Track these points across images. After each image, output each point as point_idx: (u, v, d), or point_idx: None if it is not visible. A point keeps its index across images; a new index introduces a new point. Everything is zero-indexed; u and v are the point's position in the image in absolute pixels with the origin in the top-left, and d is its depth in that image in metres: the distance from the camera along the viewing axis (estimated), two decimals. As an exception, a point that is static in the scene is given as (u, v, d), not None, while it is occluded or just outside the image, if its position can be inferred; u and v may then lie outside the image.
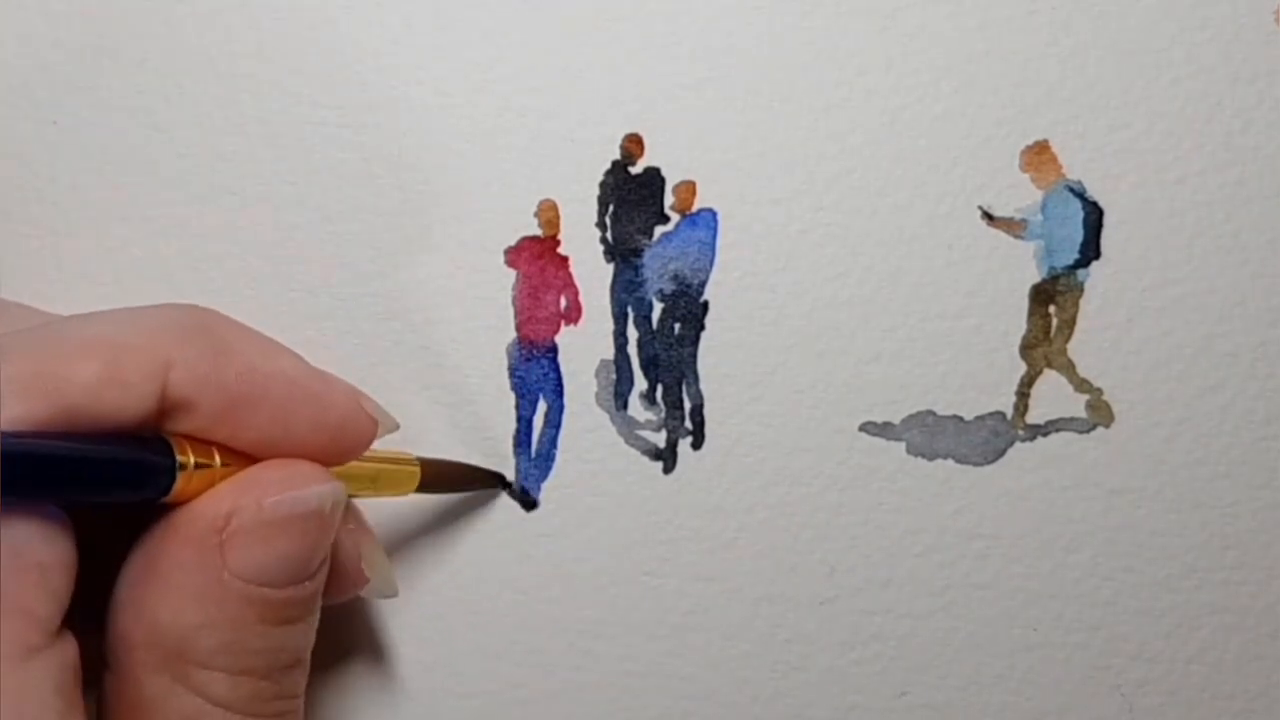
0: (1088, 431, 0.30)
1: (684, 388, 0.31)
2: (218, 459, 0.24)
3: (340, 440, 0.25)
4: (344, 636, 0.31)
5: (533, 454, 0.31)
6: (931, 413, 0.30)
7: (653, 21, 0.30)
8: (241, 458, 0.24)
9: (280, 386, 0.24)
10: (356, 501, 0.28)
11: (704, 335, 0.31)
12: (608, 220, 0.31)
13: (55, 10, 0.30)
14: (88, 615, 0.23)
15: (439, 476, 0.29)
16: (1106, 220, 0.30)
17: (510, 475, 0.31)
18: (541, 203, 0.30)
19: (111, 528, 0.24)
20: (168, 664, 0.23)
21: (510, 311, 0.31)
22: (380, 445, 0.27)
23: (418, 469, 0.28)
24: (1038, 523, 0.31)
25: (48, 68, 0.30)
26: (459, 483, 0.30)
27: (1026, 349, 0.30)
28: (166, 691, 0.23)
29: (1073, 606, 0.31)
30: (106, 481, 0.22)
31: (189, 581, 0.23)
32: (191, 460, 0.23)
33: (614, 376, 0.31)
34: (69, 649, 0.22)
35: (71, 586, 0.22)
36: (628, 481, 0.31)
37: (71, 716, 0.22)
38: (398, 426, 0.28)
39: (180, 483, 0.23)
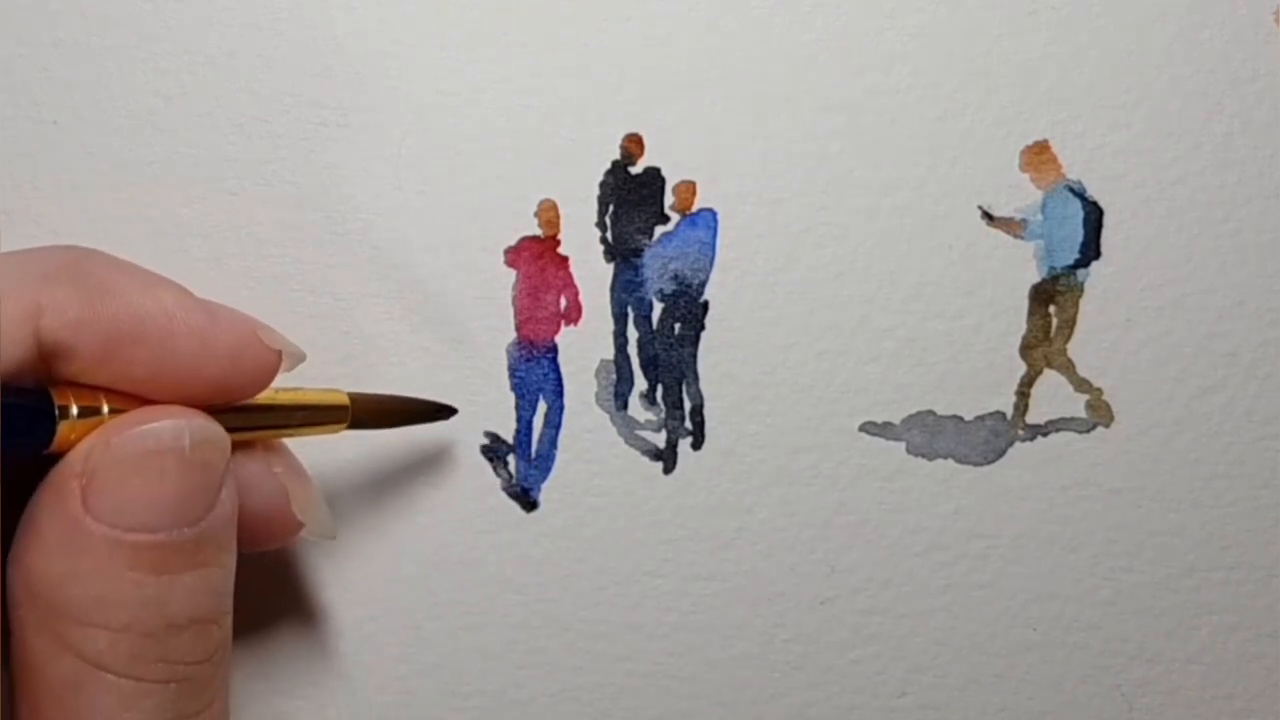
0: (1088, 431, 0.30)
1: (684, 388, 0.31)
2: (105, 406, 0.23)
3: (234, 374, 0.24)
4: (344, 636, 0.31)
5: (533, 454, 0.31)
6: (931, 413, 0.30)
7: (653, 21, 0.30)
8: (133, 401, 0.23)
9: (160, 322, 0.23)
10: (291, 446, 0.27)
11: (704, 335, 0.31)
12: (608, 220, 0.31)
13: (55, 10, 0.30)
14: None
15: (374, 411, 0.28)
16: (1106, 220, 0.30)
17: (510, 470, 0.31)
18: (541, 203, 0.30)
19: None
20: (46, 622, 0.22)
21: (510, 311, 0.31)
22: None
23: (347, 403, 0.27)
24: (1038, 523, 0.31)
25: (48, 68, 0.30)
26: (399, 417, 0.29)
27: (1026, 349, 0.30)
28: (48, 653, 0.22)
29: (1073, 606, 0.31)
30: None
31: (53, 528, 0.22)
32: (74, 408, 0.22)
33: (614, 376, 0.31)
34: None
35: None
36: (628, 481, 0.31)
37: None
38: (304, 357, 0.26)
39: (63, 432, 0.22)
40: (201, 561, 0.24)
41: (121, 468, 0.22)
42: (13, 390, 0.22)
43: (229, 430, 0.24)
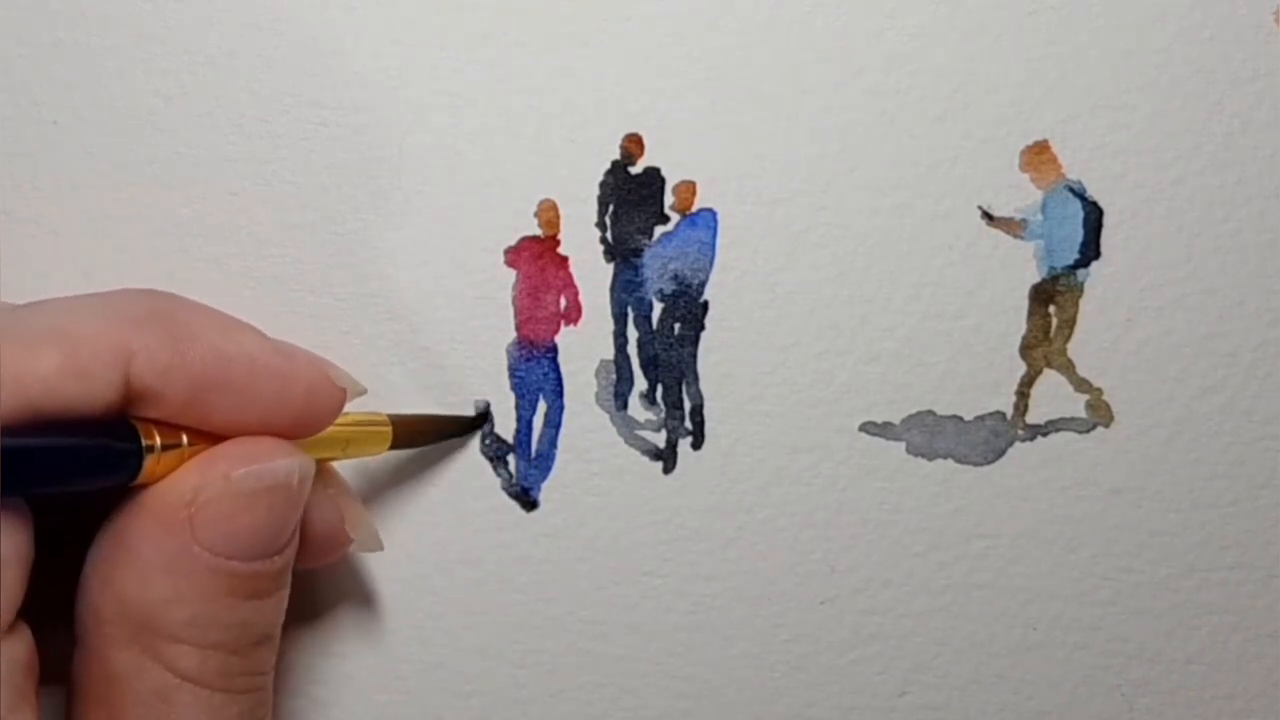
0: (1088, 431, 0.30)
1: (684, 388, 0.31)
2: (185, 439, 0.24)
3: (309, 412, 0.25)
4: (344, 636, 0.31)
5: (533, 454, 0.31)
6: (931, 413, 0.30)
7: (652, 21, 0.30)
8: (209, 437, 0.24)
9: (244, 367, 0.24)
10: (335, 464, 0.28)
11: (704, 335, 0.31)
12: (608, 220, 0.31)
13: (55, 10, 0.30)
14: (53, 604, 0.24)
15: (412, 432, 0.29)
16: (1106, 220, 0.30)
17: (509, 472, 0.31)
18: (541, 203, 0.30)
19: (76, 514, 0.24)
20: (137, 638, 0.23)
21: (510, 311, 0.31)
22: (351, 407, 0.27)
23: (389, 428, 0.28)
24: (1038, 523, 0.31)
25: (48, 68, 0.30)
26: (434, 435, 0.30)
27: (1026, 349, 0.30)
28: (135, 665, 0.23)
29: (1073, 606, 0.31)
30: (73, 470, 0.22)
31: (158, 555, 0.23)
32: (158, 443, 0.23)
33: (614, 376, 0.31)
34: (20, 645, 0.22)
35: (25, 581, 0.22)
36: (628, 481, 0.31)
37: (19, 711, 0.22)
38: (365, 391, 0.28)
39: (148, 465, 0.23)
40: (281, 584, 0.25)
41: (235, 502, 0.24)
42: (102, 426, 0.23)
43: None
